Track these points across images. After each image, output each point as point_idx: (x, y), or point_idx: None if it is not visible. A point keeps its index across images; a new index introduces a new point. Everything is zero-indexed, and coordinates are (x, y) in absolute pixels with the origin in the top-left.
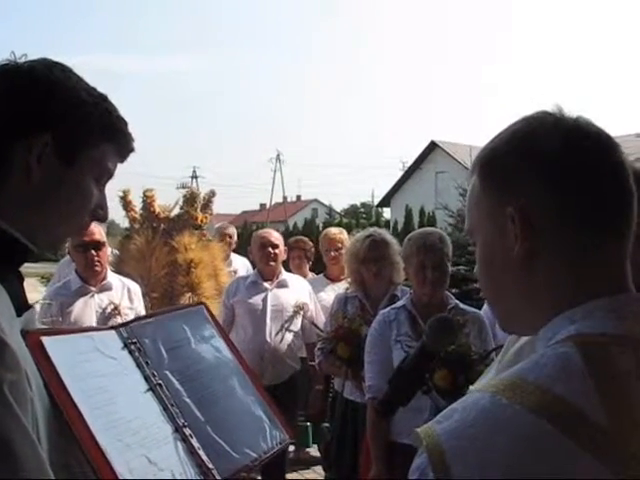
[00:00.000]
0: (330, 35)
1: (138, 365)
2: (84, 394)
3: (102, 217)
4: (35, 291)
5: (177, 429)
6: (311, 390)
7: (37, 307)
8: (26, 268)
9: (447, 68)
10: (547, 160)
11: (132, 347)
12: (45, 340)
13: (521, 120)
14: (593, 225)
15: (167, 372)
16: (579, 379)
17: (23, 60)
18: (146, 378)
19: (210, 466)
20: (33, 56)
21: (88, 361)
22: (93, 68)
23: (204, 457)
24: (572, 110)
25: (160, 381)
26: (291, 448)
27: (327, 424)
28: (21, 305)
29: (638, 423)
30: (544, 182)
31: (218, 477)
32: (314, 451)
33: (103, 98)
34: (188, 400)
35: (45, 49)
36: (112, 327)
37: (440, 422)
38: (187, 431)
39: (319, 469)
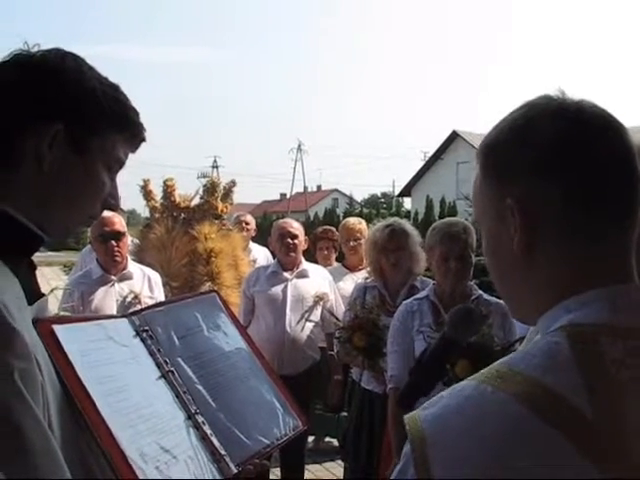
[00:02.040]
0: (351, 24)
1: (150, 353)
2: (96, 381)
3: (114, 206)
4: (58, 279)
5: (189, 416)
6: (330, 380)
7: (59, 294)
8: (50, 257)
9: (470, 57)
10: (547, 149)
11: (144, 335)
12: (57, 328)
13: (522, 106)
14: (595, 215)
15: (179, 359)
16: (566, 369)
17: (36, 50)
18: (158, 365)
19: (223, 452)
20: (52, 45)
21: (100, 349)
22: (112, 58)
23: (216, 444)
24: (576, 93)
25: (172, 368)
26: (311, 438)
27: (345, 414)
28: (33, 294)
29: (622, 414)
30: (544, 172)
31: (231, 463)
32: (334, 441)
33: (115, 88)
34: (200, 387)
35: (66, 39)
36: (124, 315)
37: (426, 408)
38: (199, 418)
39: (339, 459)
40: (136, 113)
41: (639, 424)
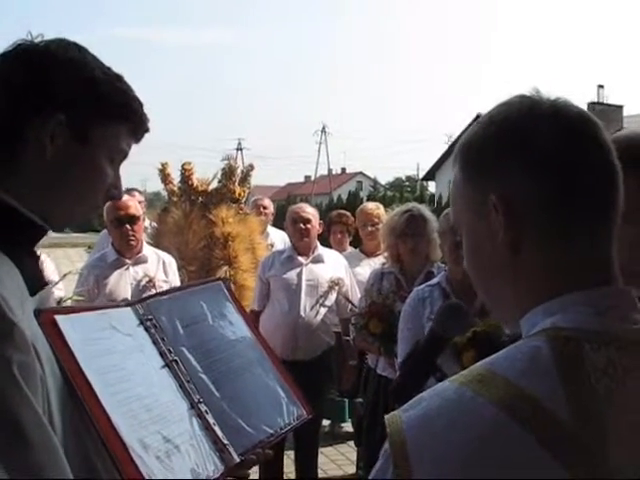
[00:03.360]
0: (378, 7)
1: (154, 342)
2: (98, 372)
3: (116, 196)
4: (82, 260)
5: (193, 405)
6: (345, 365)
7: (75, 277)
8: (74, 238)
9: (496, 39)
10: (526, 145)
11: (148, 324)
12: (59, 318)
13: (498, 105)
14: (577, 212)
15: (183, 348)
16: (546, 374)
17: (39, 40)
18: (162, 354)
19: (225, 442)
20: (76, 27)
21: (103, 338)
22: (133, 39)
23: (219, 433)
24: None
25: (176, 357)
26: (326, 422)
27: (360, 399)
28: (35, 284)
29: (600, 421)
30: (524, 168)
31: (233, 453)
32: (349, 426)
33: (118, 78)
34: (204, 376)
35: (86, 21)
36: (128, 304)
37: (406, 410)
38: (203, 407)
39: (353, 444)
40: (140, 104)
41: (617, 432)
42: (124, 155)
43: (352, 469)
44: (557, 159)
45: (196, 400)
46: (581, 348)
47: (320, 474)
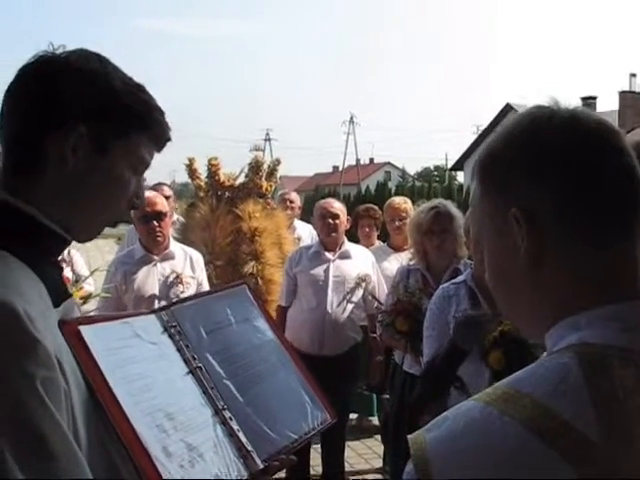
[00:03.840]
0: None
1: (178, 349)
2: (121, 381)
3: (139, 206)
4: (112, 252)
5: (217, 412)
6: (371, 361)
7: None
8: (105, 229)
9: (525, 31)
10: (545, 156)
11: (172, 331)
12: (83, 329)
13: (517, 117)
14: (600, 222)
15: (207, 355)
16: (575, 393)
17: (60, 51)
18: (186, 362)
19: (249, 448)
20: (96, 18)
21: (127, 347)
22: (157, 31)
23: (244, 439)
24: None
25: (200, 364)
26: (353, 416)
27: (387, 396)
28: (59, 295)
29: (632, 441)
30: (544, 179)
31: (257, 459)
32: (376, 420)
33: (140, 88)
34: (228, 382)
35: (105, 13)
36: (153, 311)
37: (430, 430)
38: (227, 414)
39: (380, 438)
40: (161, 112)
41: None
42: (146, 165)
43: (379, 463)
44: (578, 169)
45: (220, 406)
46: (610, 365)
47: (347, 468)
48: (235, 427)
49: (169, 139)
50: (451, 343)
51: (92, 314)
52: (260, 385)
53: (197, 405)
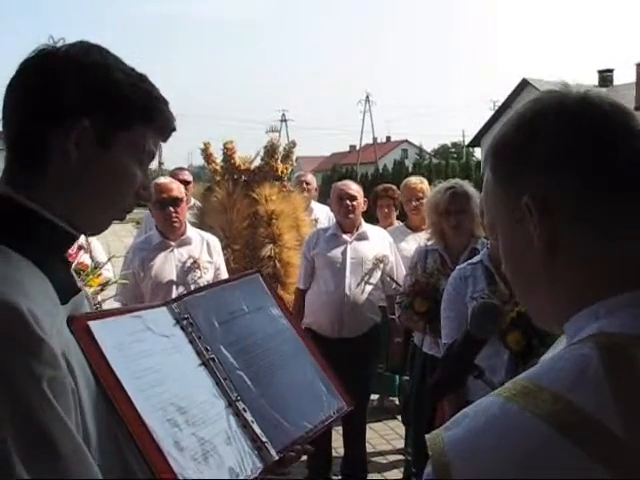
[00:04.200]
0: None
1: (190, 341)
2: (132, 376)
3: (146, 198)
4: (130, 236)
5: (230, 403)
6: (391, 342)
7: (121, 260)
8: None
9: (541, 3)
10: (557, 141)
11: (184, 322)
12: (92, 324)
13: (527, 103)
14: (617, 205)
15: (220, 346)
16: (596, 386)
17: (60, 44)
18: (198, 353)
19: (264, 439)
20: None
21: (138, 341)
22: (172, 15)
23: (258, 430)
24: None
25: (213, 355)
26: (374, 397)
27: (407, 377)
28: (68, 291)
29: None
30: (556, 165)
31: (272, 450)
32: (397, 401)
33: (142, 79)
34: (242, 373)
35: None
36: (164, 303)
37: (449, 429)
38: (240, 405)
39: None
40: (165, 102)
41: None
42: (152, 156)
43: (401, 443)
44: (590, 153)
45: (234, 398)
46: (632, 355)
47: (369, 449)
48: (249, 418)
49: (174, 129)
50: (466, 333)
51: (107, 305)
52: (274, 375)
53: (210, 397)
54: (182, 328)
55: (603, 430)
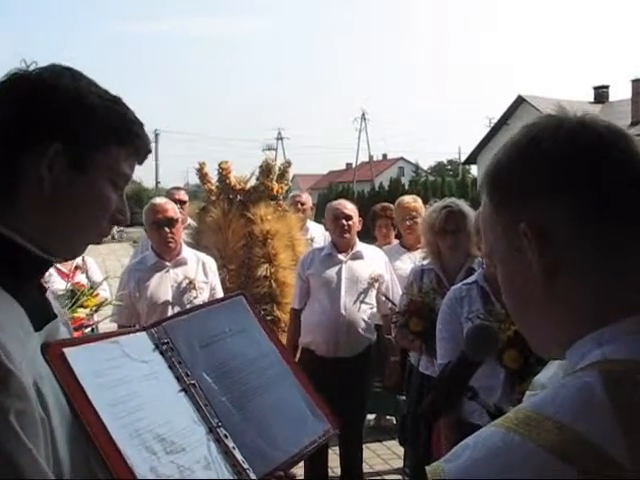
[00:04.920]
0: None
1: (170, 366)
2: (108, 403)
3: (122, 221)
4: (127, 255)
5: (211, 430)
6: (387, 361)
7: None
8: (120, 232)
9: (535, 20)
10: (553, 166)
11: (164, 347)
12: (67, 351)
13: (522, 128)
14: (614, 229)
15: (201, 370)
16: (600, 414)
17: (33, 67)
18: (178, 379)
19: (245, 466)
20: (110, 17)
21: (115, 368)
22: (165, 33)
23: (239, 457)
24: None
25: (193, 381)
26: (371, 417)
27: (404, 397)
28: (42, 318)
29: None
30: (553, 190)
31: (253, 476)
32: (395, 420)
33: (115, 101)
34: (223, 398)
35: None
36: (144, 328)
37: (450, 460)
38: (221, 431)
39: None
40: (139, 125)
41: None
42: (127, 179)
43: (398, 463)
44: (587, 177)
45: (215, 424)
46: (637, 382)
47: (366, 469)
48: (230, 445)
49: (149, 151)
50: (461, 355)
51: (103, 325)
52: (257, 399)
53: (190, 424)
54: (161, 353)
55: (609, 461)
